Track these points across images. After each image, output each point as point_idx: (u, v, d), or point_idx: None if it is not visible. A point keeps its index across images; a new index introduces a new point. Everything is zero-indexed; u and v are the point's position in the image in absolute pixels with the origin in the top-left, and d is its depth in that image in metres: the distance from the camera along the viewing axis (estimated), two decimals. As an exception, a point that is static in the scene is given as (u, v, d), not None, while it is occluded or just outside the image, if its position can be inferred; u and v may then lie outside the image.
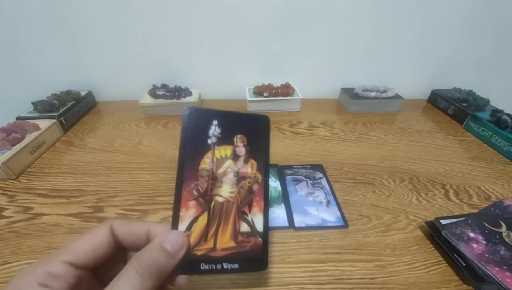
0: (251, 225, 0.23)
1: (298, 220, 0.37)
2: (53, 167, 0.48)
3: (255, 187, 0.23)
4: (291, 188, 0.43)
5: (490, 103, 0.65)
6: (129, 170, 0.47)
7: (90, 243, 0.18)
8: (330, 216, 0.38)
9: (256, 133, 0.24)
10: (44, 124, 0.54)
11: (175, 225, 0.20)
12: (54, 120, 0.56)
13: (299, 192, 0.42)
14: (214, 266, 0.21)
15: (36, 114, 0.58)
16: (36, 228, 0.36)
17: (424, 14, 0.68)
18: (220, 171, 0.22)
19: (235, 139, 0.23)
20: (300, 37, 0.70)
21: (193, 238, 0.20)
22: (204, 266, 0.20)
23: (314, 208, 0.39)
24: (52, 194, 0.42)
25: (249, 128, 0.23)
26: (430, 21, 0.69)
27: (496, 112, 0.58)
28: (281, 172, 0.46)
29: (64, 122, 0.59)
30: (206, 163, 0.22)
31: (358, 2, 0.65)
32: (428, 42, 0.72)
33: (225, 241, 0.21)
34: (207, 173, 0.22)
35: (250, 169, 0.23)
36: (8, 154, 0.44)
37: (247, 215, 0.23)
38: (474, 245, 0.31)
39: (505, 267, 0.29)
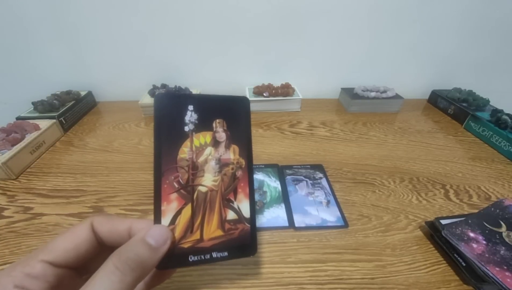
0: (238, 212, 0.22)
1: (298, 220, 0.37)
2: (53, 167, 0.48)
3: (239, 173, 0.22)
4: (291, 188, 0.43)
5: (490, 103, 0.65)
6: (129, 170, 0.47)
7: (70, 241, 0.18)
8: (330, 216, 0.38)
9: (236, 116, 0.22)
10: (44, 124, 0.54)
11: (157, 220, 0.19)
12: (54, 120, 0.56)
13: (299, 192, 0.42)
14: (203, 257, 0.20)
15: (36, 114, 0.58)
16: (36, 228, 0.36)
17: (424, 14, 0.68)
18: (201, 159, 0.21)
19: (214, 124, 0.22)
20: (300, 37, 0.70)
21: (178, 232, 0.20)
22: (192, 258, 0.20)
23: (314, 208, 0.39)
24: (52, 194, 0.42)
25: (228, 111, 0.22)
26: (431, 22, 0.69)
27: (496, 112, 0.58)
28: (281, 172, 0.46)
29: (64, 122, 0.59)
30: (185, 152, 0.20)
31: (358, 2, 0.65)
32: (428, 42, 0.72)
33: (212, 230, 0.21)
34: (187, 163, 0.21)
35: (232, 154, 0.22)
36: (8, 154, 0.44)
37: (232, 202, 0.22)
38: (474, 245, 0.31)
39: (505, 267, 0.29)
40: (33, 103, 0.60)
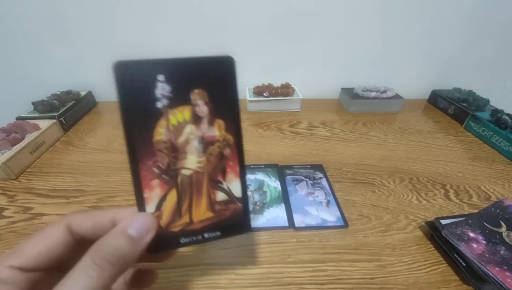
0: (228, 192, 0.20)
1: (298, 220, 0.37)
2: (53, 167, 0.48)
3: (227, 151, 0.20)
4: (291, 188, 0.43)
5: (490, 103, 0.65)
6: (128, 170, 0.47)
7: (42, 244, 0.17)
8: (330, 216, 0.38)
9: (219, 84, 0.18)
10: (44, 124, 0.54)
11: (141, 208, 0.18)
12: (54, 120, 0.56)
13: (299, 192, 0.42)
14: (194, 238, 0.19)
15: (36, 114, 0.58)
16: (36, 228, 0.36)
17: (424, 14, 0.68)
18: (181, 140, 0.19)
19: (192, 97, 0.18)
20: (300, 37, 0.70)
21: (165, 217, 0.19)
22: (184, 240, 0.19)
23: (314, 208, 0.39)
24: (52, 194, 0.42)
25: (208, 78, 0.18)
26: (431, 22, 0.69)
27: (496, 112, 0.58)
28: (281, 172, 0.46)
29: (64, 122, 0.59)
30: (161, 133, 0.18)
31: (358, 2, 0.65)
32: (429, 42, 0.72)
33: (201, 213, 0.20)
34: (165, 145, 0.18)
35: (217, 131, 0.19)
36: (8, 154, 0.44)
37: (221, 183, 0.20)
38: (474, 245, 0.31)
39: (505, 267, 0.29)
40: (33, 103, 0.60)
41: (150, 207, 0.18)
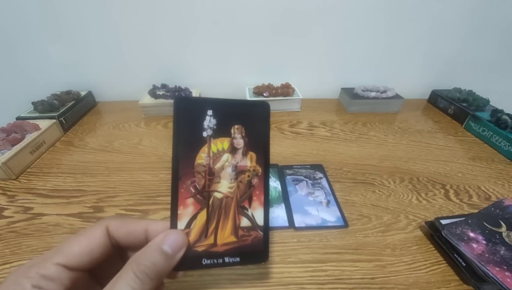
0: (251, 219, 0.22)
1: (298, 220, 0.37)
2: (53, 167, 0.48)
3: (255, 181, 0.22)
4: (291, 188, 0.43)
5: (490, 103, 0.65)
6: (129, 170, 0.47)
7: (85, 244, 0.18)
8: (330, 216, 0.38)
9: (255, 123, 0.22)
10: (44, 124, 0.54)
11: (173, 223, 0.20)
12: (54, 120, 0.56)
13: (299, 192, 0.42)
14: (215, 261, 0.21)
15: (36, 114, 0.58)
16: (36, 228, 0.36)
17: (424, 14, 0.68)
18: (218, 165, 0.21)
19: (232, 130, 0.21)
20: (300, 37, 0.70)
21: (193, 235, 0.20)
22: (205, 261, 0.20)
23: (314, 208, 0.39)
24: (52, 194, 0.42)
25: (247, 117, 0.22)
26: (431, 21, 0.69)
27: (496, 112, 0.58)
28: (281, 172, 0.46)
29: (64, 122, 0.59)
30: (202, 158, 0.21)
31: (358, 2, 0.65)
32: (429, 42, 0.72)
33: (225, 236, 0.21)
34: (204, 168, 0.21)
35: (249, 162, 0.22)
36: (8, 154, 0.44)
37: (247, 209, 0.22)
38: (474, 245, 0.31)
39: (505, 267, 0.29)
40: (33, 103, 0.60)
41: (182, 223, 0.20)
